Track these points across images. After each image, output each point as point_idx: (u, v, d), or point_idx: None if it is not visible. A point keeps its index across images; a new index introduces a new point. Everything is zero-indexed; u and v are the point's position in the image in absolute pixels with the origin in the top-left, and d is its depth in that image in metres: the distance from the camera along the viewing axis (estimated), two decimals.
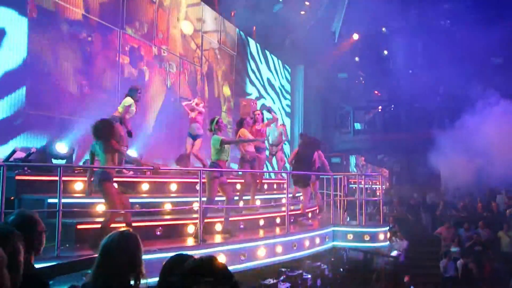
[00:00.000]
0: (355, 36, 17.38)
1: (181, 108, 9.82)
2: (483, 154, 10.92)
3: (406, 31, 16.09)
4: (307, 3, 15.85)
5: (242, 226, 7.07)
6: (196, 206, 6.16)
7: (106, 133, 5.09)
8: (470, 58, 13.11)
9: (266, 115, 10.73)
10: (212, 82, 13.19)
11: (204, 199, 5.87)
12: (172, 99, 11.27)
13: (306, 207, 8.16)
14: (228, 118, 13.60)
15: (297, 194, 9.50)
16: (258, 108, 10.95)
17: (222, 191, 6.31)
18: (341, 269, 9.76)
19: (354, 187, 11.77)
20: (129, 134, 7.01)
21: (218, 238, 6.28)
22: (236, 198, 7.22)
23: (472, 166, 11.28)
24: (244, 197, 7.86)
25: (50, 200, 5.33)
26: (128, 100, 7.00)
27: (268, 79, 16.22)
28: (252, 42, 15.32)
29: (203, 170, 6.25)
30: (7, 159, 6.06)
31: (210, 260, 1.75)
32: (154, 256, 4.77)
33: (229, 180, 6.92)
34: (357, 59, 18.60)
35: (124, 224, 5.24)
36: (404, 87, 15.58)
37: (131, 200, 5.77)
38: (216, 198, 6.32)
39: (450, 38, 14.20)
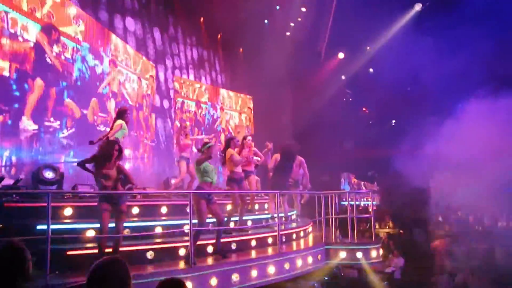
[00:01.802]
0: (341, 55, 17.70)
1: None
2: (471, 165, 11.01)
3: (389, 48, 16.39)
4: (292, 24, 16.16)
5: (234, 247, 7.03)
6: (187, 228, 6.14)
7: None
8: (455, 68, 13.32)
9: None
10: None
11: (195, 221, 5.87)
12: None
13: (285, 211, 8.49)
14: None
15: (289, 213, 9.51)
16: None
17: (211, 213, 6.32)
18: None
19: (345, 204, 11.80)
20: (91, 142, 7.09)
21: (210, 260, 6.24)
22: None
23: (460, 180, 11.36)
24: (234, 218, 7.84)
25: (39, 227, 5.28)
26: (119, 122, 7.09)
27: None
28: None
29: (192, 192, 6.24)
30: None
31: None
32: (146, 280, 4.72)
33: (218, 202, 6.92)
34: (343, 77, 18.85)
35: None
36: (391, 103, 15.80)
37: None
38: (208, 220, 6.32)
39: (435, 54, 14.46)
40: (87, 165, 5.66)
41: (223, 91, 16.02)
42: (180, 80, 13.95)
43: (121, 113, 7.23)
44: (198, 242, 6.10)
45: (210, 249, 6.57)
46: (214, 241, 6.49)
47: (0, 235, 4.43)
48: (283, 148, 8.77)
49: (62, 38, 8.74)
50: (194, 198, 6.08)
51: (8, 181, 6.32)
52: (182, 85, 14.07)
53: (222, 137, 14.78)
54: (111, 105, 10.26)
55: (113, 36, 10.62)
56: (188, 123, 10.97)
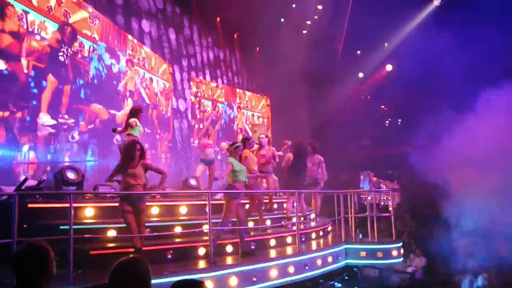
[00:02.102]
0: (360, 75, 17.67)
1: None
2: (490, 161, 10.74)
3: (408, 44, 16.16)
4: (308, 22, 16.09)
5: (253, 247, 7.03)
6: (206, 228, 6.16)
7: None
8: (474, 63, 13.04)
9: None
10: None
11: (215, 220, 5.90)
12: None
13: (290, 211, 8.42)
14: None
15: (306, 213, 9.46)
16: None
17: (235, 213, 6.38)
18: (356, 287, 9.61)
19: (365, 203, 11.67)
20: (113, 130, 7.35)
21: (229, 260, 6.25)
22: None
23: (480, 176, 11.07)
24: (252, 218, 7.83)
25: (62, 227, 5.37)
26: (134, 120, 7.18)
27: None
28: None
29: (211, 192, 6.26)
30: (18, 188, 6.13)
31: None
32: (165, 280, 4.75)
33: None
34: (361, 74, 18.67)
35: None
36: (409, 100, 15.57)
37: None
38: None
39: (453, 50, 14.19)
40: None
41: (239, 91, 16.04)
42: (196, 80, 14.00)
43: (135, 112, 7.32)
44: (218, 242, 6.11)
45: (229, 248, 6.58)
46: (234, 240, 6.52)
47: (24, 235, 4.50)
48: (294, 146, 8.73)
49: (78, 37, 8.85)
50: (226, 197, 6.23)
51: (31, 182, 6.45)
52: (199, 85, 14.12)
53: (239, 138, 14.79)
54: (128, 104, 10.36)
55: (129, 36, 10.72)
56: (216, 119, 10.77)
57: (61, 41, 8.35)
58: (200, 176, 8.76)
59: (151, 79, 11.45)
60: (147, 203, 6.95)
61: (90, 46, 9.19)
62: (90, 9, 9.23)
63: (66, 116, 8.50)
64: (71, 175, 7.12)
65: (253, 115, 16.53)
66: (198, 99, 13.99)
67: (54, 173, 7.25)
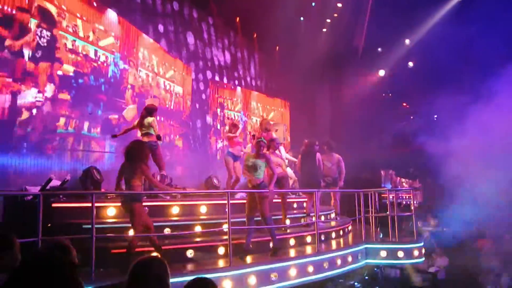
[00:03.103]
0: (381, 72, 17.47)
1: None
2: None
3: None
4: (328, 20, 15.99)
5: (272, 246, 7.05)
6: (226, 227, 6.21)
7: (137, 155, 5.30)
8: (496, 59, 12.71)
9: None
10: None
11: (234, 220, 5.97)
12: None
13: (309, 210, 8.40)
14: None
15: (321, 213, 9.43)
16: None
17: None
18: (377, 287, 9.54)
19: (386, 202, 11.55)
20: (159, 137, 7.50)
21: (249, 259, 6.28)
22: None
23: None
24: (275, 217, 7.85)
25: (85, 226, 5.50)
26: (152, 119, 7.36)
27: None
28: None
29: (230, 192, 6.31)
30: (43, 188, 6.30)
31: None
32: (185, 278, 4.81)
33: None
34: (381, 72, 18.43)
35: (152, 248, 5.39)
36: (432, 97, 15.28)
37: (162, 224, 5.93)
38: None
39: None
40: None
41: (254, 94, 15.77)
42: (214, 83, 13.90)
43: (152, 110, 7.49)
44: (237, 241, 6.15)
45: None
46: (254, 239, 6.56)
47: (48, 235, 4.64)
48: (304, 146, 8.69)
49: (101, 50, 9.35)
50: (260, 196, 6.35)
51: (55, 182, 6.61)
52: (217, 87, 14.02)
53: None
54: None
55: (145, 41, 10.88)
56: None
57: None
58: (230, 168, 8.80)
59: (167, 83, 11.58)
60: (168, 203, 7.08)
61: (108, 56, 9.61)
62: (113, 33, 9.63)
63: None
64: (97, 175, 7.33)
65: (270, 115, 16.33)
66: (219, 110, 13.92)
67: (83, 170, 7.50)
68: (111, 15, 9.64)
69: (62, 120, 8.19)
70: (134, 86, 10.31)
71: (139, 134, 7.68)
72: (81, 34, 8.77)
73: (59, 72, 8.14)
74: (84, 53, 8.81)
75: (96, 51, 9.16)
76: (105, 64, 9.40)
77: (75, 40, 8.59)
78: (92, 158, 8.83)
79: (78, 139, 8.57)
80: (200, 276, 2.46)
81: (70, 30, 8.50)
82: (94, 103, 9.00)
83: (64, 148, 8.18)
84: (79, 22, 8.72)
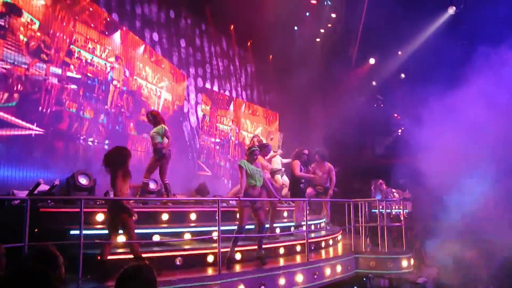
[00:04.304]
0: (372, 61, 17.50)
1: None
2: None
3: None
4: (322, 30, 16.10)
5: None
6: (215, 235, 6.18)
7: (113, 161, 5.19)
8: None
9: None
10: None
11: (224, 228, 5.93)
12: None
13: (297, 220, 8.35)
14: None
15: (317, 221, 9.42)
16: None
17: (255, 217, 6.45)
18: None
19: (376, 212, 11.57)
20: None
21: (238, 268, 6.24)
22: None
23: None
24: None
25: (72, 232, 5.43)
26: (161, 128, 7.25)
27: None
28: None
29: (221, 199, 6.29)
30: (31, 192, 6.23)
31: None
32: (174, 287, 4.78)
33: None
34: (374, 83, 18.58)
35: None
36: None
37: (151, 231, 5.88)
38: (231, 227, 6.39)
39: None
40: None
41: (242, 111, 15.77)
42: (205, 91, 13.86)
43: (158, 117, 7.39)
44: (225, 249, 6.11)
45: (238, 256, 6.58)
46: (242, 248, 6.53)
47: (35, 240, 4.57)
48: (294, 155, 8.71)
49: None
50: (238, 204, 6.30)
51: (43, 187, 6.54)
52: (208, 96, 13.97)
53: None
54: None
55: (141, 49, 10.96)
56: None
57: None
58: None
59: (158, 90, 11.61)
60: (159, 209, 7.03)
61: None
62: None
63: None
64: (83, 181, 7.22)
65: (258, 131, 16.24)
66: (206, 113, 13.86)
67: (66, 178, 7.36)
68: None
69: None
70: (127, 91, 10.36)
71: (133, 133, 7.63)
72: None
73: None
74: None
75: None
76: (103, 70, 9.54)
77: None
78: (84, 162, 8.75)
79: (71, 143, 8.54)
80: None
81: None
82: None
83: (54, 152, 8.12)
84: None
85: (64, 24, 8.80)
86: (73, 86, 8.84)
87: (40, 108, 8.17)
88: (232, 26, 14.84)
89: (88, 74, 9.31)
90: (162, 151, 7.10)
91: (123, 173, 5.18)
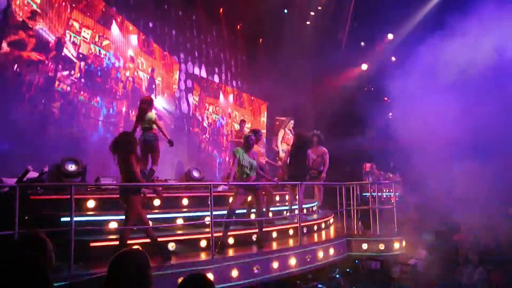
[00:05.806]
0: (364, 66, 17.57)
1: None
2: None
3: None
4: (312, 13, 15.96)
5: (254, 239, 7.04)
6: (208, 220, 6.17)
7: (125, 146, 5.16)
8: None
9: None
10: None
11: (216, 213, 5.93)
12: None
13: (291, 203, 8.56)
14: None
15: (309, 205, 9.45)
16: None
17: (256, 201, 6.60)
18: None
19: (368, 196, 11.65)
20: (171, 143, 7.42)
21: (231, 252, 6.26)
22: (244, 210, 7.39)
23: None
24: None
25: (63, 219, 5.38)
26: (152, 115, 7.29)
27: None
28: None
29: (213, 184, 6.26)
30: (20, 179, 6.14)
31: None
32: (167, 271, 4.77)
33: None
34: (364, 66, 18.51)
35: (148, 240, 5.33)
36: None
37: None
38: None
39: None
40: None
41: (232, 102, 15.61)
42: (196, 78, 13.67)
43: (150, 102, 7.44)
44: (218, 234, 6.10)
45: (231, 240, 6.59)
46: (235, 233, 6.56)
47: (25, 227, 4.52)
48: (294, 138, 8.74)
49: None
50: (235, 189, 6.40)
51: (33, 174, 6.44)
52: (198, 83, 13.80)
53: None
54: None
55: (135, 38, 10.83)
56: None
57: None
58: None
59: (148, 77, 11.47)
60: (150, 195, 6.99)
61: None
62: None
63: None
64: (71, 167, 7.13)
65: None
66: (197, 99, 13.70)
67: (56, 165, 7.27)
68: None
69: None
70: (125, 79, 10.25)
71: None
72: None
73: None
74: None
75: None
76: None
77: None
78: (75, 147, 8.61)
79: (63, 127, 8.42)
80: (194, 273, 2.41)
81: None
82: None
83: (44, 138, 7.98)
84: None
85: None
86: (65, 73, 8.65)
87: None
88: (221, 10, 14.62)
89: (81, 61, 9.10)
90: (169, 139, 7.39)
91: (136, 157, 5.23)
